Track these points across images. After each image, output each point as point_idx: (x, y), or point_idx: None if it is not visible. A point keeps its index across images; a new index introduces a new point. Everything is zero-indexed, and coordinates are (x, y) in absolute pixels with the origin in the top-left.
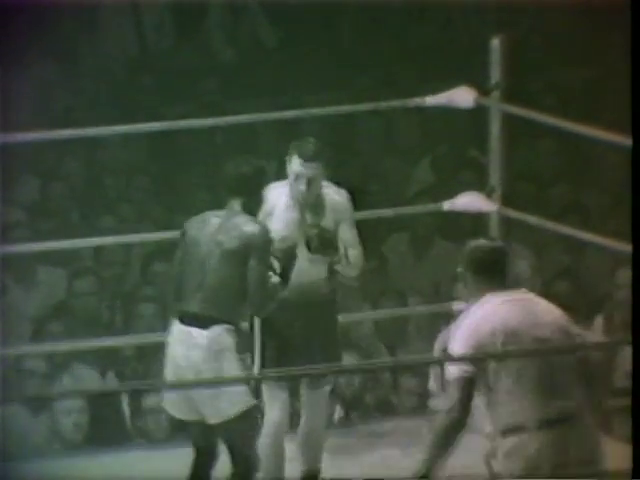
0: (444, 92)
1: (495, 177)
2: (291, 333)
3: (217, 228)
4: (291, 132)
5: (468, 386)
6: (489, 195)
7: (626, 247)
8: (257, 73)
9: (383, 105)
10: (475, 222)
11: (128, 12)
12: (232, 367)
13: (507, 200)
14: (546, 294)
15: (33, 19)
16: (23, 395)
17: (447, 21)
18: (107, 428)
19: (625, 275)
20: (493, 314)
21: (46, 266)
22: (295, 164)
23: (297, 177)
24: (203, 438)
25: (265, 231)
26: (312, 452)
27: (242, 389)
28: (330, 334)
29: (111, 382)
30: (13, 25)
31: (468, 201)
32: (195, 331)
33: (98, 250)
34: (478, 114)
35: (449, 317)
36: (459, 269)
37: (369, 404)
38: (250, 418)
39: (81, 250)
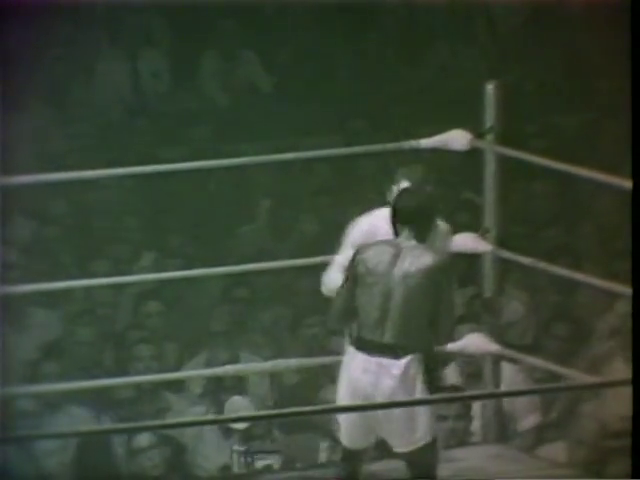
0: (439, 135)
1: (490, 218)
2: None
3: (394, 259)
4: (285, 175)
5: None
6: (484, 236)
7: (620, 288)
8: (252, 117)
9: (378, 148)
10: (470, 263)
11: (124, 58)
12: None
13: (502, 241)
14: (543, 335)
15: (30, 64)
16: (17, 435)
17: (442, 65)
18: (98, 468)
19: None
20: None
21: (40, 308)
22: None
23: None
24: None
25: (444, 261)
26: None
27: (433, 418)
28: None
29: (105, 423)
30: (11, 70)
31: (463, 242)
32: (386, 361)
33: (92, 291)
34: (473, 157)
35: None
36: None
37: None
38: (435, 446)
39: (75, 292)
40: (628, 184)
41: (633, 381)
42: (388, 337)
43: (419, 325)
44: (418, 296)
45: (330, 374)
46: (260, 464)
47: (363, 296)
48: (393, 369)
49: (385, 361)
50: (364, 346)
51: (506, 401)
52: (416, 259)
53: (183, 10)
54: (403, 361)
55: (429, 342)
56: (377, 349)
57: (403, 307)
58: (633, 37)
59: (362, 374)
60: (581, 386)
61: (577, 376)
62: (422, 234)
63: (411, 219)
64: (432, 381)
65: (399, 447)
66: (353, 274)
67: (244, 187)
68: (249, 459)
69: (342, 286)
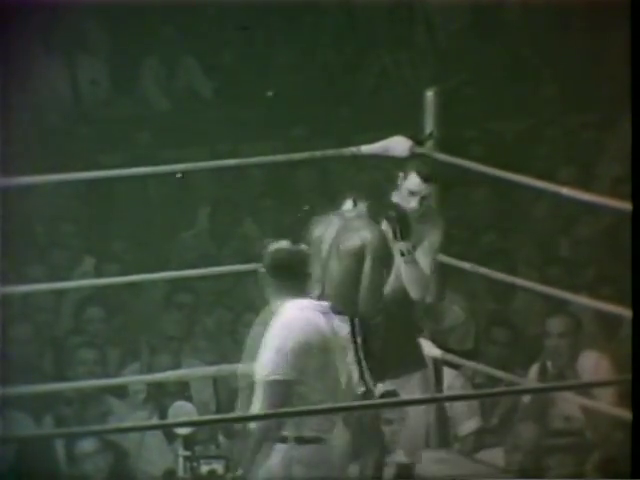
0: (380, 141)
1: None
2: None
3: (339, 228)
4: (225, 181)
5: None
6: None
7: (557, 292)
8: (192, 123)
9: (319, 154)
10: None
11: (63, 64)
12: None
13: (442, 247)
14: (483, 340)
15: None
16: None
17: (383, 71)
18: (39, 473)
19: (556, 322)
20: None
21: None
22: (411, 182)
23: (411, 194)
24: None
25: (381, 236)
26: None
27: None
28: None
29: (48, 427)
30: None
31: None
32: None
33: (31, 296)
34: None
35: None
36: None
37: None
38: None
39: (13, 297)
40: (564, 190)
41: (633, 381)
42: (326, 296)
43: (346, 289)
44: (345, 263)
45: None
46: (205, 469)
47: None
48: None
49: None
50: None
51: (447, 406)
52: (353, 230)
53: (122, 16)
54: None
55: (357, 308)
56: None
57: (332, 272)
58: (633, 37)
59: (313, 314)
60: (576, 384)
61: (517, 381)
62: (373, 207)
63: (365, 192)
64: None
65: None
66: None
67: (185, 192)
68: (194, 464)
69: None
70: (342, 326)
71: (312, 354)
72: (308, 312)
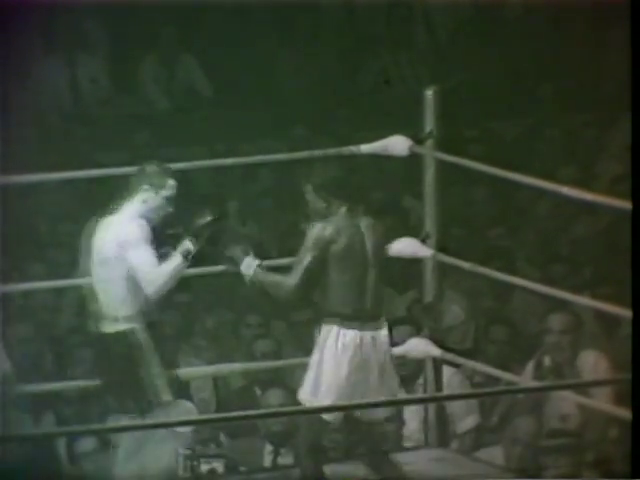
0: (380, 140)
1: (430, 223)
2: None
3: (361, 237)
4: (226, 179)
5: None
6: (424, 241)
7: (558, 292)
8: (192, 122)
9: (319, 153)
10: (410, 267)
11: (63, 64)
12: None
13: (442, 246)
14: (483, 339)
15: None
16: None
17: (382, 71)
18: (40, 473)
19: (557, 319)
20: None
21: None
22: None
23: None
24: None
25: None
26: None
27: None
28: None
29: (48, 426)
30: None
31: (403, 246)
32: (374, 333)
33: (32, 295)
34: (413, 162)
35: None
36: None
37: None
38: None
39: (13, 296)
40: (564, 189)
41: (633, 381)
42: (371, 311)
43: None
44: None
45: (277, 378)
46: (204, 468)
47: (343, 275)
48: (380, 338)
49: (374, 333)
50: (353, 322)
51: (445, 403)
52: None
53: (122, 16)
54: (384, 331)
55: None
56: (365, 323)
57: (378, 280)
58: (633, 37)
59: (357, 348)
60: (571, 385)
61: (517, 379)
62: (352, 209)
63: (340, 194)
64: None
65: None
66: (323, 257)
67: (184, 191)
68: (195, 463)
69: (311, 262)
70: None
71: None
72: None
